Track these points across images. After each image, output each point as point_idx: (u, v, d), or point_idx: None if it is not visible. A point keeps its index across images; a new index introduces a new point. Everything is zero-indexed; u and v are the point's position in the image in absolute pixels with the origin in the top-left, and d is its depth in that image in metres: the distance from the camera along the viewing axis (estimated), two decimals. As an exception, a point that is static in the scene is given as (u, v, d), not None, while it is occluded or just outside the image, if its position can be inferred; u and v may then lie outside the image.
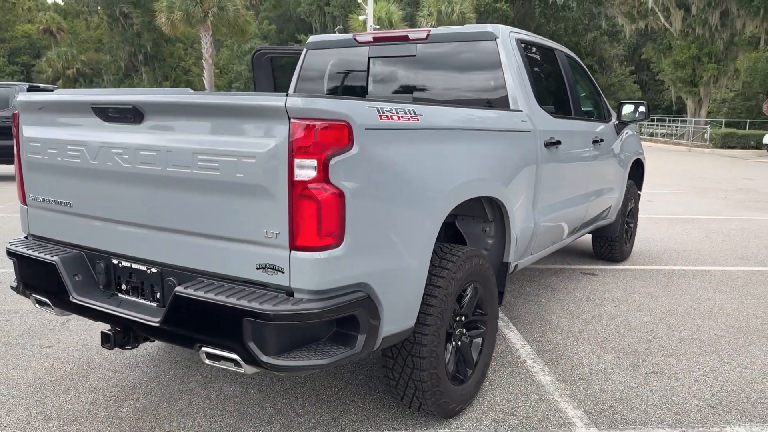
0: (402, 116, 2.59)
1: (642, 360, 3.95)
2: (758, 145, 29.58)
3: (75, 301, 2.82)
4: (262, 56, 5.80)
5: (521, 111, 3.82)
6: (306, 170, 2.20)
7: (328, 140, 2.20)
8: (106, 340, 2.74)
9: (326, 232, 2.25)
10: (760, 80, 40.36)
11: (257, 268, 2.36)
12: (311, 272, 2.27)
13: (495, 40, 3.92)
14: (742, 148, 30.26)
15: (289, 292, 2.32)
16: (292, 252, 2.27)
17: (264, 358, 2.28)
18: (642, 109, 5.64)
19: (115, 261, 2.82)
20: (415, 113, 2.68)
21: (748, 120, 35.91)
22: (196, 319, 2.41)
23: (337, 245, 2.29)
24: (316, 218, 2.22)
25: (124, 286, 2.84)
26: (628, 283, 5.81)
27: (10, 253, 3.10)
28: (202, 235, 2.48)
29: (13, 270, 3.19)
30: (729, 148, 30.26)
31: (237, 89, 60.94)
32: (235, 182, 2.31)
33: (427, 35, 4.16)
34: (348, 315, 2.37)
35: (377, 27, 27.50)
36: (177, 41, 57.91)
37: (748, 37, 31.87)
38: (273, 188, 2.24)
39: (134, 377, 3.61)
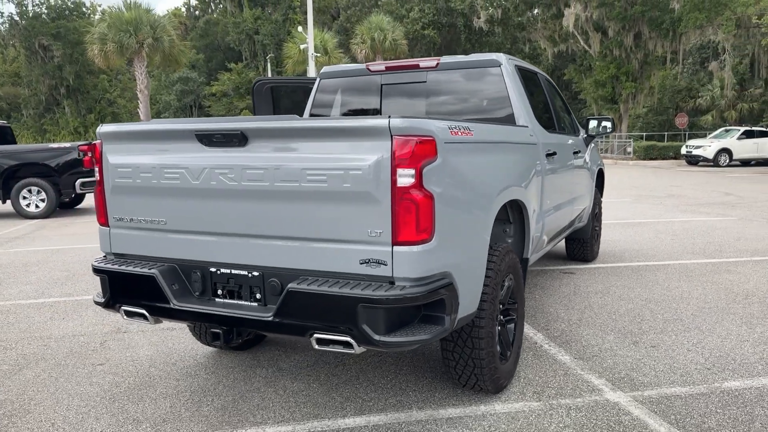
0: (463, 132, 3.09)
1: (639, 338, 4.58)
2: (677, 156, 31.94)
3: (176, 307, 3.14)
4: (263, 86, 6.21)
5: (527, 127, 4.41)
6: (406, 178, 2.66)
7: (421, 153, 2.68)
8: (216, 338, 3.08)
9: (422, 229, 2.71)
10: (669, 96, 43.69)
11: (360, 263, 2.79)
12: (411, 263, 2.72)
13: (500, 66, 4.52)
14: (663, 158, 32.63)
15: (391, 282, 2.76)
16: (395, 247, 2.71)
17: (377, 337, 2.71)
18: (605, 123, 6.39)
19: (212, 269, 3.17)
20: (469, 129, 3.19)
21: (664, 133, 38.71)
22: (310, 310, 2.81)
23: (430, 240, 2.75)
24: (414, 217, 2.68)
25: (219, 291, 3.18)
26: (604, 278, 6.50)
27: (99, 271, 3.38)
28: (307, 238, 2.89)
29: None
30: (651, 159, 32.57)
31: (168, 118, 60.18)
32: (342, 191, 2.75)
33: (437, 64, 4.71)
34: (439, 298, 2.83)
35: (317, 55, 28.08)
36: (101, 73, 56.51)
37: (659, 57, 34.53)
38: (378, 194, 2.69)
39: (198, 383, 3.91)
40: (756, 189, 16.34)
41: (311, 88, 6.07)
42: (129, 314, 3.36)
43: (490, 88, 4.56)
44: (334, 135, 2.77)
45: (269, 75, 52.62)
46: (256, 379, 3.94)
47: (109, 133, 3.35)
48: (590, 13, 32.79)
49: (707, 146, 27.36)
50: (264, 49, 60.53)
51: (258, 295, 3.09)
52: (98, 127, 3.42)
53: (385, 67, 4.90)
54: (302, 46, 29.42)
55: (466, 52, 52.07)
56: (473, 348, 3.33)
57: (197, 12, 76.05)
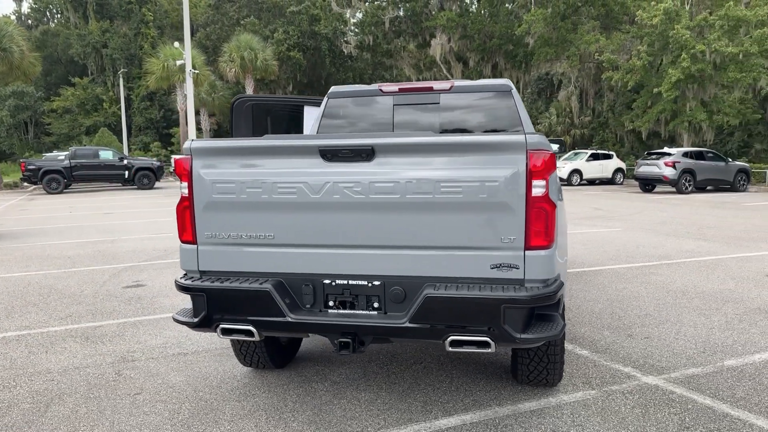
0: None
1: (630, 331, 5.21)
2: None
3: (294, 320, 3.16)
4: (243, 103, 6.17)
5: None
6: (539, 189, 2.98)
7: (549, 166, 3.01)
8: (345, 347, 3.14)
9: (549, 235, 3.03)
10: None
11: (491, 268, 3.04)
12: (541, 266, 3.02)
13: (510, 90, 4.99)
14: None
15: (521, 284, 3.04)
16: (527, 251, 3.00)
17: (518, 335, 2.97)
18: (555, 146, 7.11)
19: (326, 281, 3.23)
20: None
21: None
22: (450, 314, 3.00)
23: (552, 244, 3.08)
24: (544, 224, 3.00)
25: (331, 303, 3.25)
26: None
27: (194, 289, 3.28)
28: (437, 247, 3.08)
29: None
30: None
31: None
32: (477, 202, 2.99)
33: (451, 87, 5.07)
34: (559, 297, 3.15)
35: (196, 71, 27.17)
36: None
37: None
38: (513, 203, 2.97)
39: (264, 401, 3.85)
40: (615, 204, 18.53)
41: (296, 107, 6.14)
42: (227, 332, 3.29)
43: (503, 108, 4.99)
44: (470, 149, 3.01)
45: (121, 91, 49.66)
46: (320, 393, 3.97)
47: (201, 149, 3.29)
48: (453, 45, 35.12)
49: (561, 167, 30.31)
50: (114, 63, 57.04)
51: (376, 304, 3.20)
52: (186, 143, 3.33)
53: (399, 89, 5.15)
54: (178, 62, 28.25)
55: (330, 76, 53.17)
56: (554, 345, 3.67)
57: (30, 21, 69.83)
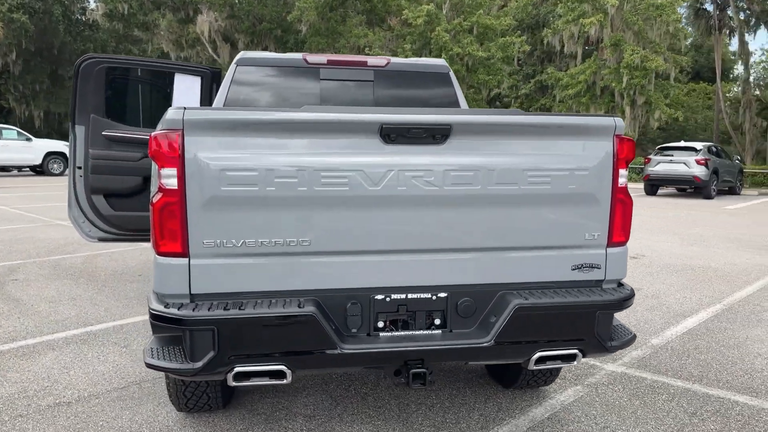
0: None
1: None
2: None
3: (348, 351, 2.41)
4: (93, 66, 4.84)
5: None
6: (623, 178, 2.70)
7: (630, 154, 2.73)
8: (418, 379, 2.48)
9: (627, 230, 2.77)
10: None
11: (572, 269, 2.68)
12: (620, 265, 2.75)
13: (448, 73, 4.63)
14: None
15: (599, 286, 2.73)
16: (608, 249, 2.71)
17: (609, 344, 2.67)
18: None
19: (378, 296, 2.53)
20: None
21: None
22: (540, 326, 2.56)
23: (627, 241, 2.81)
24: (623, 218, 2.73)
25: (381, 324, 2.56)
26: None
27: (197, 322, 2.30)
28: (517, 248, 2.61)
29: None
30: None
31: None
32: (565, 193, 2.59)
33: (387, 63, 4.51)
34: None
35: None
36: None
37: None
38: (600, 195, 2.64)
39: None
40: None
41: (164, 73, 5.06)
42: (243, 377, 2.40)
43: (440, 94, 4.60)
44: (561, 132, 2.59)
45: None
46: (341, 417, 3.19)
47: (205, 122, 2.32)
48: (222, 23, 33.27)
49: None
50: None
51: (438, 321, 2.61)
52: (173, 111, 2.32)
53: (327, 61, 4.43)
54: None
55: (65, 45, 46.53)
56: None
57: None
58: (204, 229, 2.35)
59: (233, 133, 2.34)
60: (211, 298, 2.41)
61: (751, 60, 37.88)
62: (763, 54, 42.00)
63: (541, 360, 2.62)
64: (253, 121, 2.35)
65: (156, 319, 2.36)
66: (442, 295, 2.59)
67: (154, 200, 2.36)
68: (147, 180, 4.89)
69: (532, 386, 3.64)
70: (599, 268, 2.70)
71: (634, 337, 2.81)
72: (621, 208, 2.69)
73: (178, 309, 2.33)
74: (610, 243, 2.70)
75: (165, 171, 2.33)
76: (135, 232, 5.11)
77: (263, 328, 2.35)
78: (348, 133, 2.41)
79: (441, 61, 4.68)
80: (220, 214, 2.35)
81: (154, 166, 2.44)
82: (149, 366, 2.39)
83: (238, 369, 2.37)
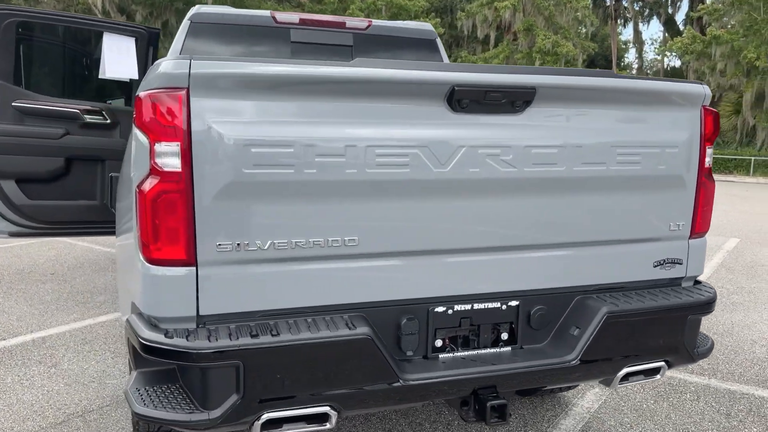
0: None
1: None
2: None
3: (412, 383, 1.86)
4: (1, 19, 3.91)
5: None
6: (709, 158, 2.29)
7: (717, 128, 2.32)
8: (498, 414, 1.95)
9: (708, 219, 2.36)
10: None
11: (654, 266, 2.25)
12: (700, 259, 2.35)
13: (435, 39, 4.10)
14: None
15: (678, 284, 2.33)
16: (690, 241, 2.30)
17: (695, 351, 2.27)
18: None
19: (439, 308, 1.98)
20: None
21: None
22: (630, 337, 2.12)
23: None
24: (706, 204, 2.32)
25: (439, 342, 2.02)
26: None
27: (208, 356, 1.65)
28: (600, 242, 2.14)
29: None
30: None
31: None
32: (654, 175, 2.15)
33: (368, 26, 3.90)
34: None
35: None
36: None
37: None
38: (687, 177, 2.22)
39: None
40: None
41: (90, 32, 4.24)
42: (276, 424, 1.78)
43: (425, 59, 4.06)
44: (650, 101, 2.13)
45: None
46: None
47: (221, 76, 1.66)
48: (116, -7, 30.74)
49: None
50: None
51: (505, 335, 2.10)
52: (168, 62, 1.64)
53: (300, 20, 3.75)
54: None
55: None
56: None
57: None
58: (218, 228, 1.70)
59: (260, 94, 1.70)
60: (225, 320, 1.76)
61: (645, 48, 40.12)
62: (653, 44, 44.47)
63: (627, 377, 2.18)
64: (288, 78, 1.71)
65: (152, 353, 1.68)
66: (513, 303, 2.07)
67: (145, 188, 1.68)
68: (71, 162, 4.04)
69: (548, 393, 3.24)
70: (681, 264, 2.29)
71: (713, 342, 2.43)
72: (704, 193, 2.28)
73: (186, 338, 1.66)
74: (693, 234, 2.29)
75: (161, 147, 1.65)
76: (56, 226, 4.22)
77: (304, 360, 1.74)
78: (408, 98, 1.83)
79: (427, 25, 4.14)
80: (241, 207, 1.71)
81: (137, 141, 1.75)
82: (142, 417, 1.72)
83: (268, 416, 1.75)
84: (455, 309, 2.00)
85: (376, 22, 3.97)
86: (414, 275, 1.93)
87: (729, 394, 3.40)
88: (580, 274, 2.14)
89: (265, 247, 1.75)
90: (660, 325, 2.15)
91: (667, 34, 38.40)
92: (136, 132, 1.74)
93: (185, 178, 1.66)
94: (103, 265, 6.25)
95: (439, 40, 4.12)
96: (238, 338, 1.67)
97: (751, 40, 23.52)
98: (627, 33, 49.79)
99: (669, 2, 38.23)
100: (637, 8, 39.38)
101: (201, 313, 1.73)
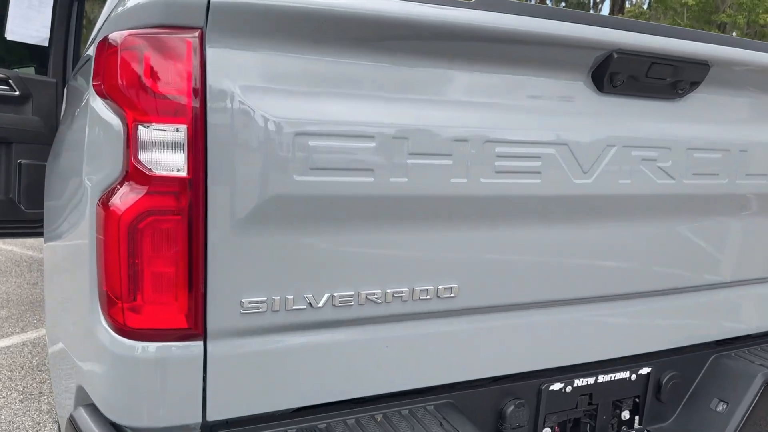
0: None
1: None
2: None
3: None
4: None
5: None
6: None
7: None
8: None
9: None
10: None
11: None
12: None
13: None
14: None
15: None
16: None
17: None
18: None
19: (555, 386, 1.35)
20: None
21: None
22: None
23: None
24: None
25: (548, 430, 1.39)
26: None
27: None
28: (743, 282, 1.57)
29: None
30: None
31: None
32: None
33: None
34: None
35: None
36: None
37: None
38: None
39: None
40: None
41: None
42: None
43: None
44: None
45: None
46: None
47: (256, 11, 0.94)
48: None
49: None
50: None
51: (626, 414, 1.49)
52: None
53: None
54: None
55: None
56: None
57: None
58: (244, 274, 0.98)
59: (325, 48, 0.99)
60: (250, 426, 1.05)
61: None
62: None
63: None
64: (371, 16, 1.00)
65: None
66: (644, 370, 1.47)
67: (116, 203, 0.93)
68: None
69: None
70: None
71: None
72: None
73: None
74: None
75: (151, 132, 0.91)
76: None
77: None
78: (539, 67, 1.17)
79: None
80: (283, 238, 0.99)
81: (96, 118, 1.00)
82: None
83: None
84: (575, 384, 1.37)
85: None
86: (526, 338, 1.28)
87: None
88: (717, 325, 1.56)
89: (319, 304, 1.05)
90: None
91: None
92: (96, 104, 0.99)
93: (194, 190, 0.93)
94: (4, 267, 5.18)
95: None
96: None
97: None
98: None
99: None
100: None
101: (209, 418, 1.01)
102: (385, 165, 1.03)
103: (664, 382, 1.50)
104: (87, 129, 1.05)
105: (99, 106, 0.98)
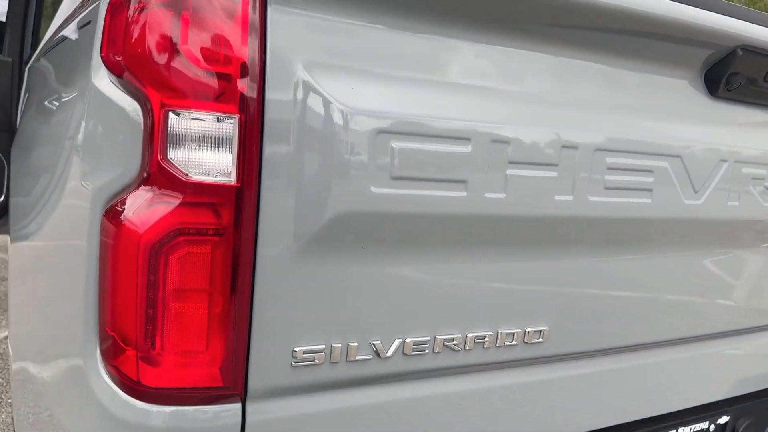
0: None
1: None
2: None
3: None
4: None
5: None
6: None
7: None
8: None
9: None
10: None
11: None
12: None
13: None
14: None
15: None
16: None
17: None
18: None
19: (640, 444, 1.14)
20: None
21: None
22: None
23: None
24: None
25: None
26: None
27: None
28: None
29: None
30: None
31: None
32: None
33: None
34: None
35: None
36: None
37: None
38: None
39: None
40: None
41: None
42: None
43: None
44: None
45: None
46: None
47: None
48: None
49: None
50: None
51: None
52: None
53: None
54: None
55: None
56: None
57: None
58: (302, 313, 0.74)
59: (414, 21, 0.75)
60: None
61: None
62: None
63: None
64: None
65: None
66: (723, 420, 1.27)
67: (130, 217, 0.67)
68: None
69: None
70: None
71: None
72: None
73: None
74: None
75: (187, 121, 0.65)
76: None
77: None
78: (649, 61, 0.95)
79: None
80: (352, 268, 0.75)
81: (99, 101, 0.73)
82: None
83: None
84: (654, 438, 1.16)
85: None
86: (607, 389, 1.07)
87: None
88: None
89: (388, 353, 0.81)
90: None
91: None
92: (101, 83, 0.73)
93: (244, 202, 0.68)
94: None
95: None
96: None
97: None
98: None
99: None
100: None
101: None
102: (480, 175, 0.80)
103: (741, 430, 1.31)
104: (84, 117, 0.78)
105: (105, 86, 0.72)
